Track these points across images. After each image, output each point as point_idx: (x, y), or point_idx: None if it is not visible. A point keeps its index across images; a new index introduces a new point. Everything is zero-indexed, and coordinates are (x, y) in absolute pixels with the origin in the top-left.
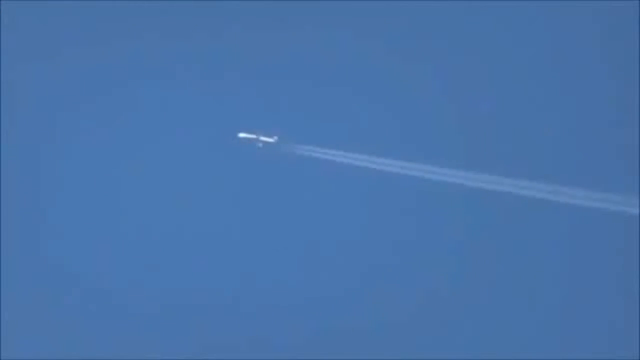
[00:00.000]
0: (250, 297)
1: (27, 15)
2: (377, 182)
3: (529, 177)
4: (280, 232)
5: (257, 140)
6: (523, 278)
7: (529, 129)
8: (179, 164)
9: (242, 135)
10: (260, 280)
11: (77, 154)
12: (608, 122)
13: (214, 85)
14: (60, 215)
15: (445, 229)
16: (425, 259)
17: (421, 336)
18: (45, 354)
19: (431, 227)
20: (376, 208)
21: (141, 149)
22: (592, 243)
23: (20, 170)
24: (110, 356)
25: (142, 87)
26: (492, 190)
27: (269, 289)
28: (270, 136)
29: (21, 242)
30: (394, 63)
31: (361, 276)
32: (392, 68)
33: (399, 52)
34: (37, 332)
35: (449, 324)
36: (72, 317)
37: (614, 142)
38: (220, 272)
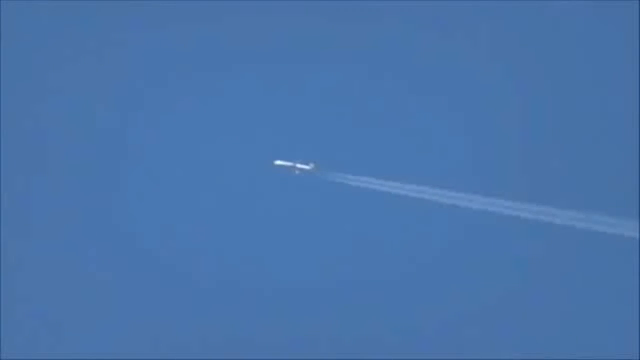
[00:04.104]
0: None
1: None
2: (414, 210)
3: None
4: (315, 256)
5: (293, 167)
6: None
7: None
8: (216, 193)
9: (278, 163)
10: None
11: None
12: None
13: (251, 114)
14: None
15: (467, 254)
16: (450, 282)
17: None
18: None
19: (459, 253)
20: (411, 235)
21: (186, 178)
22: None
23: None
24: None
25: (181, 115)
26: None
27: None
28: (306, 163)
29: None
30: (426, 94)
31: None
32: (424, 99)
33: (430, 83)
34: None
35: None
36: None
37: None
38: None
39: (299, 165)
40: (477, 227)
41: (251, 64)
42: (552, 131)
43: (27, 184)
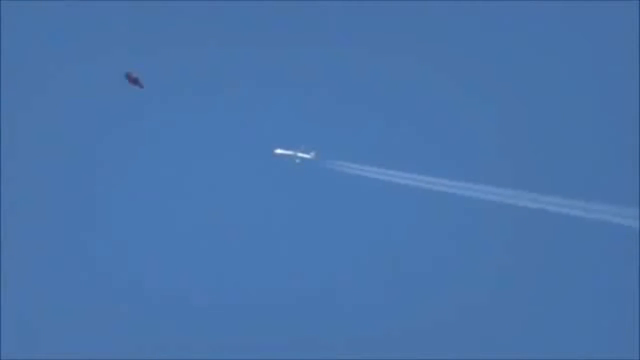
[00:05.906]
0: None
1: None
2: (413, 199)
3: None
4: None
5: (294, 156)
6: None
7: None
8: (216, 183)
9: (278, 151)
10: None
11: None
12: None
13: (252, 103)
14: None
15: (467, 243)
16: (457, 273)
17: None
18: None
19: (458, 241)
20: (412, 223)
21: (184, 169)
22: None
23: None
24: None
25: (180, 105)
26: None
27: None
28: (307, 152)
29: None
30: (434, 83)
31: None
32: (431, 88)
33: (439, 72)
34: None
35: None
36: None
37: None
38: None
39: (300, 154)
40: (477, 215)
41: (248, 59)
42: (551, 123)
43: None
